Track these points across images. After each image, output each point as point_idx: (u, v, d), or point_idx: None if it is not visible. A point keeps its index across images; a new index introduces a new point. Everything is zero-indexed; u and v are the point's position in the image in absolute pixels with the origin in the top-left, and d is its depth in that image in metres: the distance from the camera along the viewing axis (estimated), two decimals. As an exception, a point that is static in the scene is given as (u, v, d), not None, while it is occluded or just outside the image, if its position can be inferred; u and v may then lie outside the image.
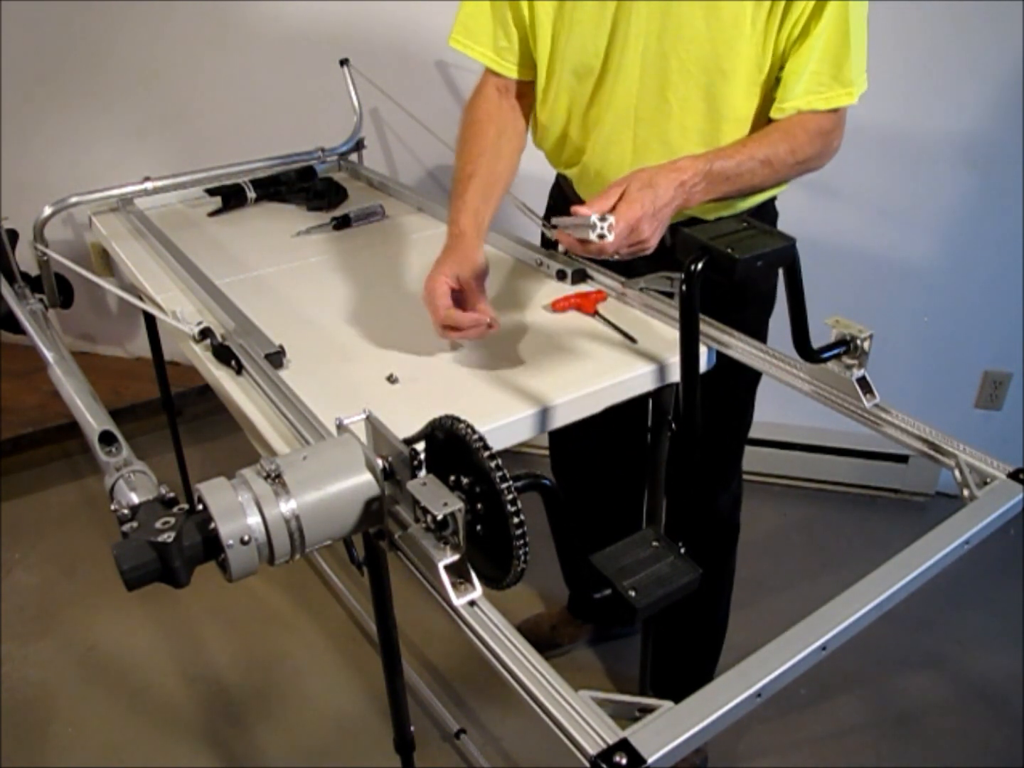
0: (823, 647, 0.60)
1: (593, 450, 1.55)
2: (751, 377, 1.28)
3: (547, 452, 1.60)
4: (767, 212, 1.24)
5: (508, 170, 1.16)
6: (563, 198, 1.29)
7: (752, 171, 1.03)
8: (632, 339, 1.03)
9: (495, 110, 1.17)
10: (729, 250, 0.72)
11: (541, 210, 1.36)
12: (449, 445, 0.64)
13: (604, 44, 1.08)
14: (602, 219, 0.85)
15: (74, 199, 1.46)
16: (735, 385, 1.29)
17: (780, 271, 0.86)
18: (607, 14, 1.06)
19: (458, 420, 0.63)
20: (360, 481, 0.65)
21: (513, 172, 1.16)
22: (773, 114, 1.07)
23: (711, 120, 1.09)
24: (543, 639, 1.77)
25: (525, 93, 1.20)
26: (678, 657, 1.56)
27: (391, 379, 0.97)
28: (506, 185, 1.14)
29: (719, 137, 1.09)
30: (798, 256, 0.78)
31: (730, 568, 1.50)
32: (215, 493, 0.61)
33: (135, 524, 0.63)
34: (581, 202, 1.24)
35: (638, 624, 1.57)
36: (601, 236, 0.85)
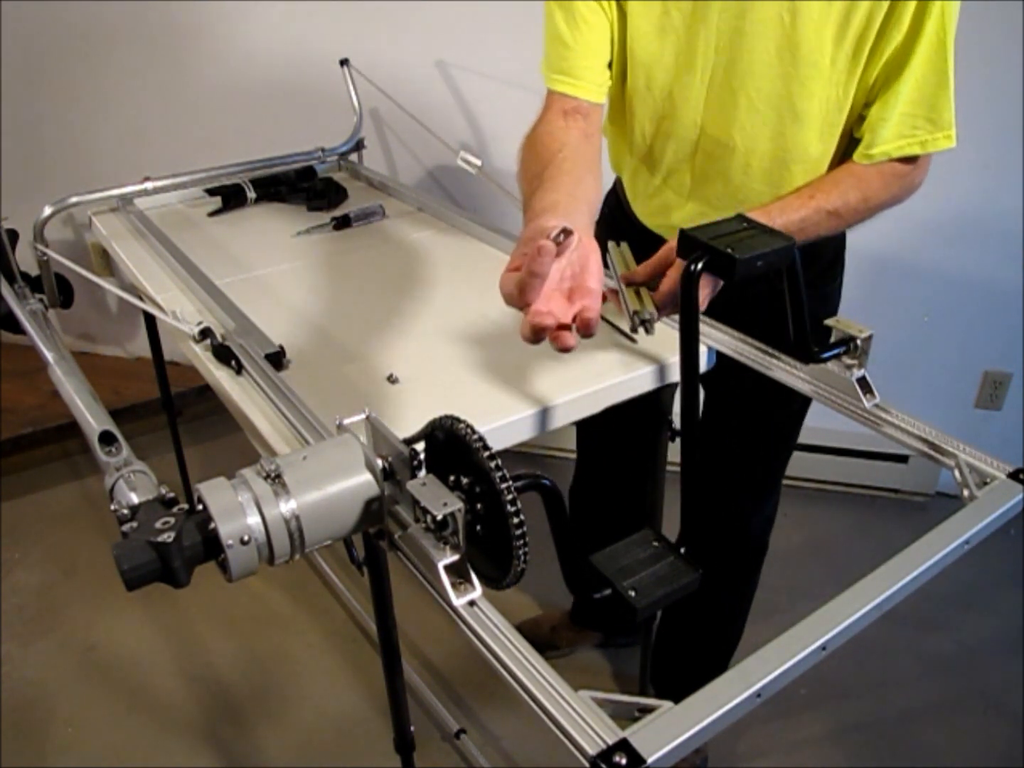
0: (823, 647, 0.60)
1: (598, 450, 1.55)
2: (799, 408, 1.25)
3: (548, 452, 1.60)
4: (839, 260, 1.18)
5: (592, 188, 0.92)
6: (619, 206, 1.24)
7: (818, 223, 0.95)
8: (632, 339, 1.03)
9: (560, 131, 1.01)
10: (729, 250, 0.72)
11: None
12: (449, 445, 0.64)
13: (670, 74, 1.01)
14: (641, 320, 0.86)
15: (74, 199, 1.46)
16: (782, 415, 1.26)
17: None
18: (668, 44, 0.99)
19: (458, 420, 0.63)
20: (360, 481, 0.65)
21: (598, 194, 0.94)
22: (858, 159, 0.98)
23: (778, 161, 1.02)
24: (542, 639, 1.77)
25: (593, 114, 1.05)
26: (689, 665, 1.55)
27: (391, 379, 0.97)
28: (591, 202, 0.90)
29: (786, 178, 1.03)
30: (798, 256, 0.78)
31: (753, 584, 1.49)
32: (215, 493, 0.61)
33: (135, 524, 0.63)
34: (633, 215, 1.23)
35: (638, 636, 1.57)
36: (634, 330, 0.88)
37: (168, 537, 0.59)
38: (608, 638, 1.81)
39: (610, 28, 1.03)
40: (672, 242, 0.83)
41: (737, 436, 1.25)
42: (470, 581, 0.62)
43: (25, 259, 1.36)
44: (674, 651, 1.56)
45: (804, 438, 2.23)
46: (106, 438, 0.80)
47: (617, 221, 1.26)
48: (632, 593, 0.62)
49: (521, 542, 0.59)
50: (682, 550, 0.66)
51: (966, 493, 0.78)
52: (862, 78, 0.95)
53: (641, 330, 0.87)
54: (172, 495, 0.69)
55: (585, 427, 1.53)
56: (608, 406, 0.97)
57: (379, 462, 0.65)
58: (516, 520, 0.58)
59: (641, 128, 1.09)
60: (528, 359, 1.01)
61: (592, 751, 0.51)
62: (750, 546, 1.43)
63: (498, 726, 1.64)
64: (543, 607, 1.90)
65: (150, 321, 1.73)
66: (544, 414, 0.92)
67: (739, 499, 1.35)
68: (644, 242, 1.18)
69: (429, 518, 0.59)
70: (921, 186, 1.01)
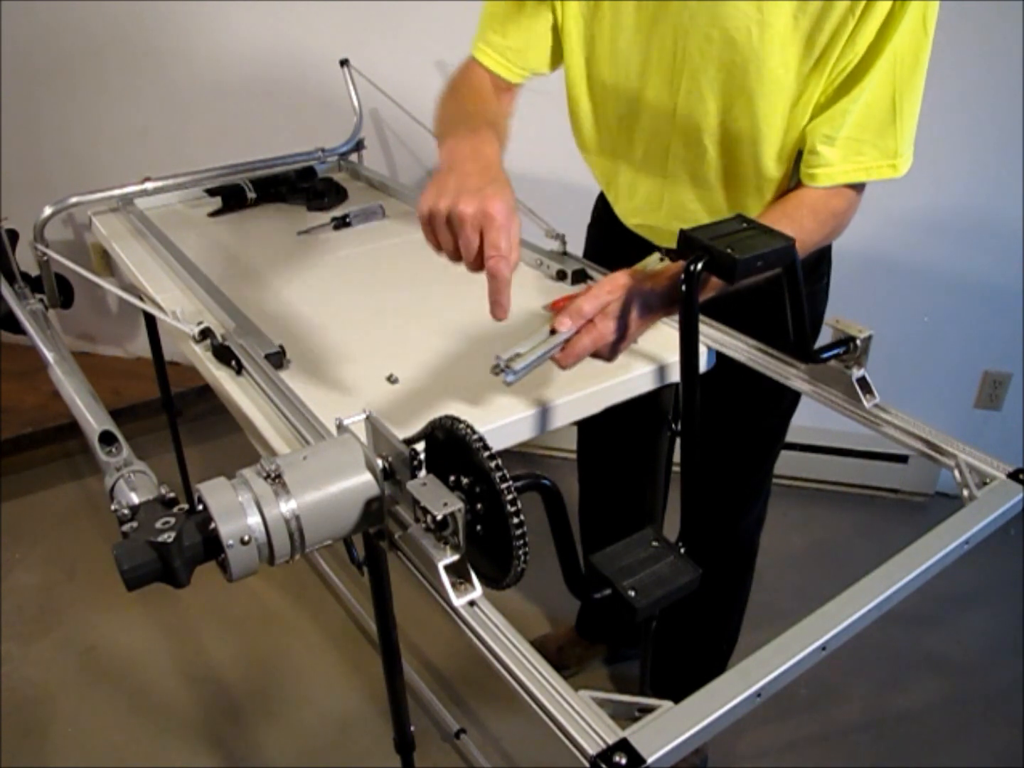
0: (823, 647, 0.60)
1: (598, 451, 1.55)
2: (788, 404, 1.26)
3: (548, 452, 1.60)
4: (824, 259, 1.18)
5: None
6: (606, 208, 1.25)
7: None
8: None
9: (492, 91, 1.05)
10: (729, 250, 0.72)
11: (585, 219, 1.35)
12: (449, 445, 0.64)
13: (648, 71, 1.01)
14: (508, 364, 0.80)
15: (74, 199, 1.46)
16: (769, 412, 1.26)
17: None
18: (642, 41, 0.99)
19: (458, 420, 0.63)
20: (360, 481, 0.65)
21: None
22: (804, 180, 0.97)
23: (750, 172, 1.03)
24: (550, 661, 1.75)
25: (512, 89, 1.10)
26: (688, 666, 1.55)
27: (391, 379, 0.97)
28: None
29: (756, 190, 1.03)
30: (797, 256, 0.78)
31: (747, 583, 1.50)
32: (215, 493, 0.61)
33: (135, 524, 0.63)
34: (618, 218, 1.23)
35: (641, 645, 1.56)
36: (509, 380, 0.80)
37: (168, 537, 0.59)
38: (615, 651, 1.81)
39: (552, 23, 1.05)
40: (614, 281, 0.84)
41: (734, 438, 1.26)
42: (470, 581, 0.62)
43: (25, 259, 1.36)
44: (672, 652, 1.56)
45: (804, 438, 2.26)
46: (106, 438, 0.80)
47: (604, 223, 1.27)
48: (632, 593, 0.62)
49: (521, 542, 0.59)
50: (682, 549, 0.66)
51: (966, 493, 0.78)
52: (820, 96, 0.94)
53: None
54: (172, 495, 0.69)
55: (585, 428, 1.53)
56: (608, 406, 0.97)
57: (379, 462, 0.65)
58: (516, 520, 0.58)
59: (611, 132, 1.10)
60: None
61: (592, 751, 0.51)
62: (742, 547, 1.44)
63: (498, 726, 1.64)
64: (550, 619, 1.89)
65: (150, 321, 1.73)
66: (544, 414, 0.92)
67: (732, 501, 1.35)
68: (627, 244, 1.19)
69: (429, 518, 0.59)
70: (849, 225, 0.99)
